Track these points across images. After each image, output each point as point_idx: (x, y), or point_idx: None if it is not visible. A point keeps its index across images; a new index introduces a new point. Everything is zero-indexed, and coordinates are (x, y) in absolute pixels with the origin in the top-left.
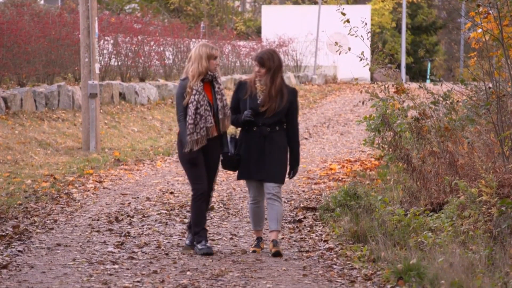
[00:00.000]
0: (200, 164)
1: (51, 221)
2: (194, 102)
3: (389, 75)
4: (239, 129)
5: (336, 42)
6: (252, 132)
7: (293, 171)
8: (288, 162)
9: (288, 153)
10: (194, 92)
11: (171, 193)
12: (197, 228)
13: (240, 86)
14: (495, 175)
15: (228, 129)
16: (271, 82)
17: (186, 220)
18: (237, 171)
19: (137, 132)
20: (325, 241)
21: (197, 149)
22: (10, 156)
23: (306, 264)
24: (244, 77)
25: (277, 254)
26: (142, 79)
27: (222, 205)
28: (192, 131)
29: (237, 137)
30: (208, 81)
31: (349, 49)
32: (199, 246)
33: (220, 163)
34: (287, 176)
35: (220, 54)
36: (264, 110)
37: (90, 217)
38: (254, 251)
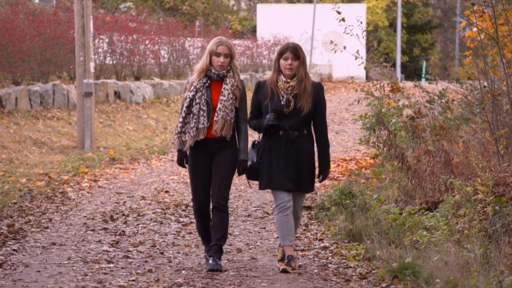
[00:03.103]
0: (200, 174)
1: (46, 220)
2: (188, 99)
3: (384, 74)
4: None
5: (331, 41)
6: (278, 137)
7: (323, 175)
8: (316, 166)
9: (316, 156)
10: (192, 88)
11: (166, 192)
12: (205, 245)
13: (260, 87)
14: (490, 173)
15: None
16: (305, 75)
17: (181, 219)
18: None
19: (132, 131)
20: (320, 240)
21: (199, 156)
22: (5, 155)
23: (301, 263)
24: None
25: (284, 271)
26: (137, 78)
27: None
28: (180, 131)
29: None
30: (216, 80)
31: (345, 47)
32: (209, 261)
33: (237, 172)
34: (316, 180)
35: (232, 52)
36: (291, 110)
37: (85, 216)
38: (284, 270)
